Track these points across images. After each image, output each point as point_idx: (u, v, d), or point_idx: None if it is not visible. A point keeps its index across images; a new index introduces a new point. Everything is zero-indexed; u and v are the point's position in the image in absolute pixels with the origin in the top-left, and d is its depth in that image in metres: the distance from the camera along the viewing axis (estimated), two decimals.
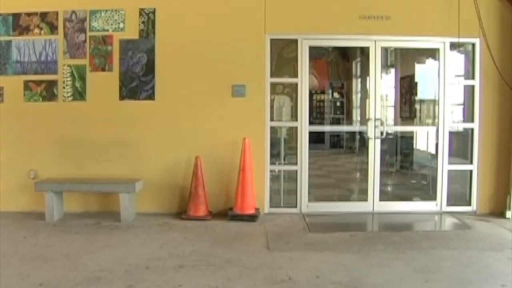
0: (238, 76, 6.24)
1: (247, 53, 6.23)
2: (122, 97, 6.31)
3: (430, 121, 8.00)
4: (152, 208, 6.25)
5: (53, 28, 6.31)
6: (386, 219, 6.23)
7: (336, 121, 13.75)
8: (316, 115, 13.62)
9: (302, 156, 6.38)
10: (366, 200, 6.47)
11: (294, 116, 6.58)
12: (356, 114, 12.75)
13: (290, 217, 6.13)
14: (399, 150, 8.83)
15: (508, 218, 6.06)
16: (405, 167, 8.85)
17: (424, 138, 8.26)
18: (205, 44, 6.23)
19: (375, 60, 6.43)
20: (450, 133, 6.49)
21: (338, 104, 14.11)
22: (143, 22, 6.27)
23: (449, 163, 6.44)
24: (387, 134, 6.99)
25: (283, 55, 7.14)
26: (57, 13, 6.29)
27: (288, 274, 4.09)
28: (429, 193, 6.86)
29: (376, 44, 6.39)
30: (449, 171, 6.44)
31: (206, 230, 5.55)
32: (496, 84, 6.29)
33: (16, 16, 6.30)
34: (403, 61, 9.77)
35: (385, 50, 8.78)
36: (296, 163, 6.44)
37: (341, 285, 3.84)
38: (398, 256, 4.57)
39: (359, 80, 12.49)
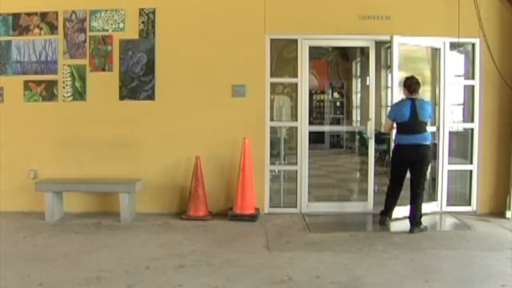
0: (238, 76, 6.23)
1: (247, 53, 6.23)
2: (122, 97, 6.31)
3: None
4: (152, 208, 6.25)
5: (53, 28, 6.31)
6: None
7: (336, 121, 13.76)
8: (316, 115, 13.63)
9: (302, 156, 6.37)
10: (366, 200, 6.48)
11: (294, 116, 6.59)
12: (356, 114, 12.77)
13: (290, 217, 6.13)
14: None
15: (508, 218, 6.06)
16: None
17: None
18: (205, 44, 6.23)
19: (375, 60, 6.43)
20: (450, 133, 6.48)
21: (338, 104, 14.12)
22: (143, 22, 6.26)
23: (449, 163, 6.44)
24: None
25: (283, 55, 7.15)
26: (57, 13, 6.28)
27: (288, 274, 4.09)
28: (429, 193, 6.85)
29: (376, 44, 6.39)
30: (449, 171, 6.44)
31: (206, 230, 5.55)
32: (496, 84, 6.29)
33: (16, 16, 6.29)
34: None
35: (385, 50, 8.81)
36: (296, 163, 6.43)
37: (341, 285, 3.84)
38: (398, 256, 4.57)
39: (359, 80, 12.50)
